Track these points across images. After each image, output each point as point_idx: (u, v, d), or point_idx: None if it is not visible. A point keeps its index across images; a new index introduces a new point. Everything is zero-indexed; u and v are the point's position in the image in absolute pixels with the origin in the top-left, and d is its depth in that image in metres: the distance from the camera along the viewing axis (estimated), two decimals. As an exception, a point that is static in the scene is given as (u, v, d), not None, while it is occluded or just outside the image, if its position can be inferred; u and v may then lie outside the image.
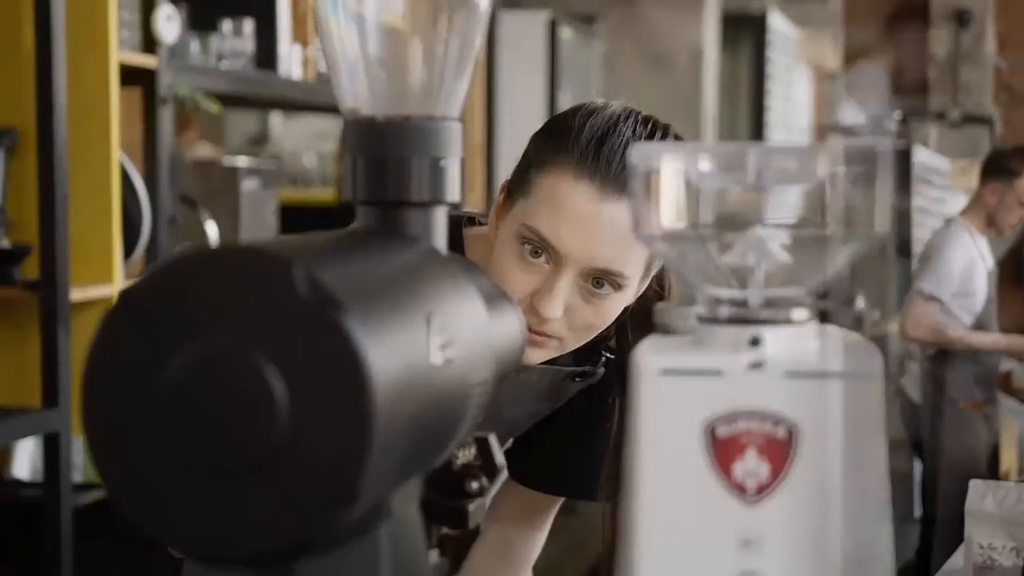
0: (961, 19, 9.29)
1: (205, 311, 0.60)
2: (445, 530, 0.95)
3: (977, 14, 9.30)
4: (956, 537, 4.36)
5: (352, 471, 0.58)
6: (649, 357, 0.67)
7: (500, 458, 0.87)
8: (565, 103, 6.23)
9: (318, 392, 0.58)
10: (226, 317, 0.59)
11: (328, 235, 0.72)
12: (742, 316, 0.68)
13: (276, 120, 5.83)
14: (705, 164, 0.68)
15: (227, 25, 2.96)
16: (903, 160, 6.95)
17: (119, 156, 2.44)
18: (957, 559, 2.05)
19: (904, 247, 6.94)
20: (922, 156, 7.12)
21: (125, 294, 0.60)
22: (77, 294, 2.32)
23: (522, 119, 5.45)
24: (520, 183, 1.24)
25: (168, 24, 2.57)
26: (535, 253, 1.21)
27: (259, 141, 5.84)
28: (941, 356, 4.22)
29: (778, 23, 7.38)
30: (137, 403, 0.60)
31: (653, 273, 1.30)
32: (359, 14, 0.77)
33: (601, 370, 1.37)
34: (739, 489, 0.66)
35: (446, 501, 0.83)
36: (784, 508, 0.65)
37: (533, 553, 1.48)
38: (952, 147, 8.01)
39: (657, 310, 0.77)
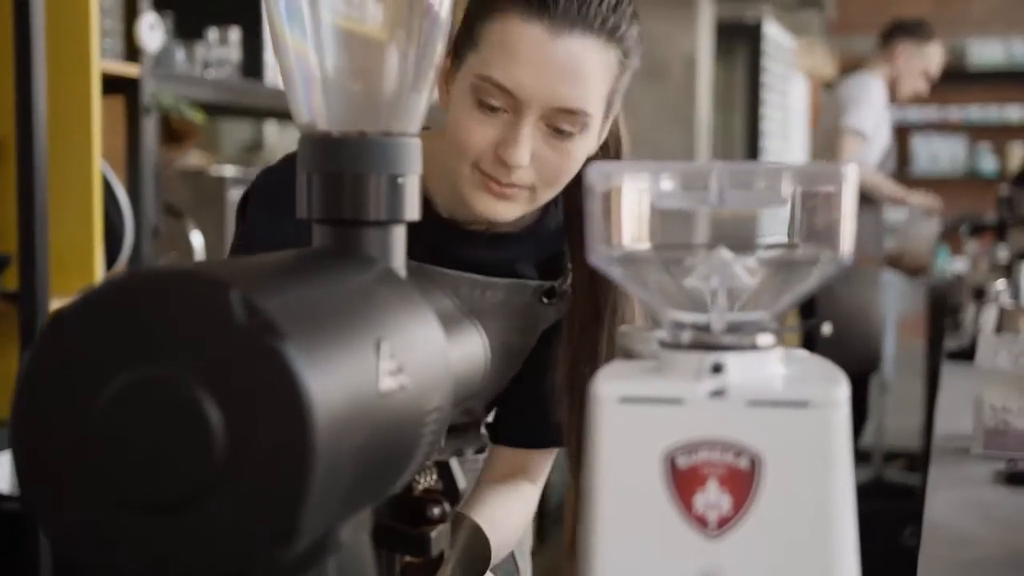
0: None
1: (140, 336, 0.57)
2: (408, 558, 0.92)
3: None
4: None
5: (292, 505, 0.56)
6: (607, 384, 0.64)
7: (462, 482, 0.85)
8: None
9: (255, 422, 0.56)
10: (161, 343, 0.57)
11: (278, 257, 0.69)
12: (704, 341, 0.66)
13: (271, 129, 5.81)
14: (666, 184, 0.66)
15: (213, 33, 2.94)
16: (755, 34, 6.97)
17: (101, 165, 2.41)
18: (961, 424, 1.89)
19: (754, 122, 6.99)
20: (772, 31, 7.10)
21: (57, 316, 0.58)
22: (57, 305, 2.29)
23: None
24: (466, 39, 1.22)
25: (151, 33, 2.54)
26: (492, 104, 1.19)
27: (253, 149, 5.81)
28: None
29: (773, 32, 7.36)
30: (68, 431, 0.58)
31: (613, 115, 1.27)
32: (315, 27, 0.75)
33: (568, 287, 1.34)
34: (700, 522, 0.63)
35: (407, 528, 0.80)
36: (747, 542, 0.63)
37: (528, 512, 1.43)
38: (787, 28, 8.00)
39: (620, 334, 0.75)
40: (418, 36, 0.77)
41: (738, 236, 0.69)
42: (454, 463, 0.82)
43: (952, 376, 2.63)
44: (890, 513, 4.17)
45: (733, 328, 0.66)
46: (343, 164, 0.74)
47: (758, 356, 0.65)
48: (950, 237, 9.42)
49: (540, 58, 1.16)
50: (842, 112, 4.16)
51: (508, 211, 1.23)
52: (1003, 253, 3.84)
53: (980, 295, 3.14)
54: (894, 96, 4.31)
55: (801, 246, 0.66)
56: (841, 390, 0.63)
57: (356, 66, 0.76)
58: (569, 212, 1.33)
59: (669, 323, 0.67)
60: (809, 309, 4.16)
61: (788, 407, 0.63)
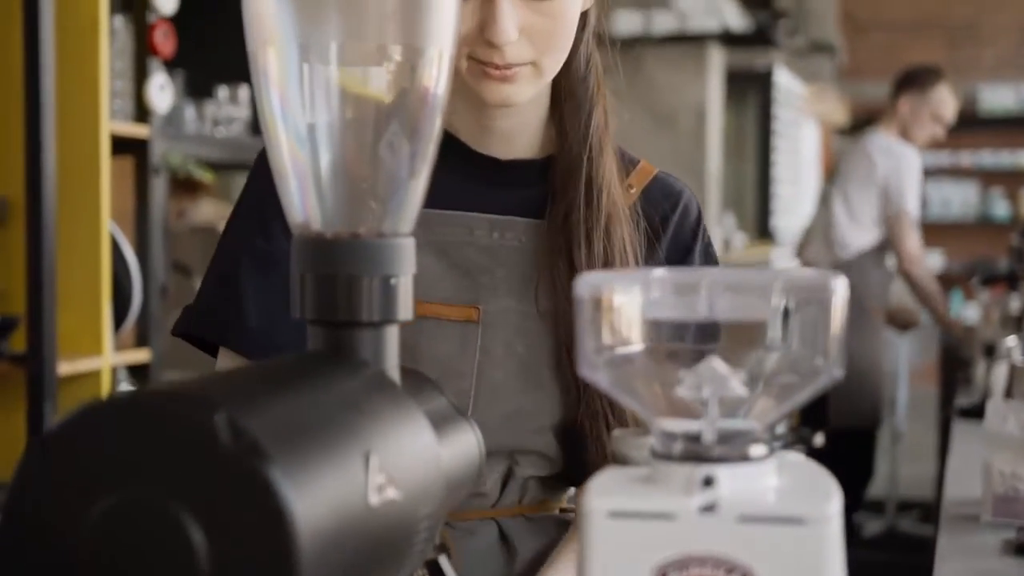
0: None
1: (124, 459, 0.57)
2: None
3: None
4: (851, 450, 4.31)
5: (277, 628, 0.55)
6: (597, 499, 0.64)
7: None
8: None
9: (240, 546, 0.55)
10: (146, 465, 0.57)
11: (267, 366, 0.69)
12: (695, 453, 0.65)
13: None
14: (656, 293, 0.66)
15: (223, 91, 2.96)
16: (766, 81, 6.98)
17: (110, 226, 2.42)
18: (971, 488, 1.88)
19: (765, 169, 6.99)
20: (782, 78, 7.11)
21: (41, 439, 0.58)
22: (65, 367, 2.29)
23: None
24: None
25: (161, 94, 2.56)
26: None
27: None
28: (852, 264, 4.22)
29: (784, 79, 7.38)
30: (54, 555, 0.57)
31: None
32: (309, 126, 0.75)
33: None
34: (691, 640, 0.62)
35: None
36: (739, 659, 0.62)
37: None
38: (797, 74, 8.01)
39: (613, 438, 0.74)
40: (413, 130, 0.77)
41: (733, 338, 0.68)
42: (443, 560, 0.82)
43: (963, 436, 2.62)
44: (903, 566, 4.14)
45: (725, 438, 0.66)
46: (337, 266, 0.74)
47: (750, 468, 0.65)
48: (963, 283, 9.41)
49: None
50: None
51: (518, 92, 1.17)
52: (1015, 303, 3.82)
53: (991, 352, 3.12)
54: (909, 145, 4.32)
55: (793, 357, 0.65)
56: (834, 504, 0.63)
57: (351, 166, 0.75)
58: (555, 88, 1.26)
59: (659, 433, 0.66)
60: None
61: (780, 523, 0.62)
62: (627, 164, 1.28)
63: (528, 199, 1.25)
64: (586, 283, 0.66)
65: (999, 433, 1.80)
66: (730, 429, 0.66)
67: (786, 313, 0.65)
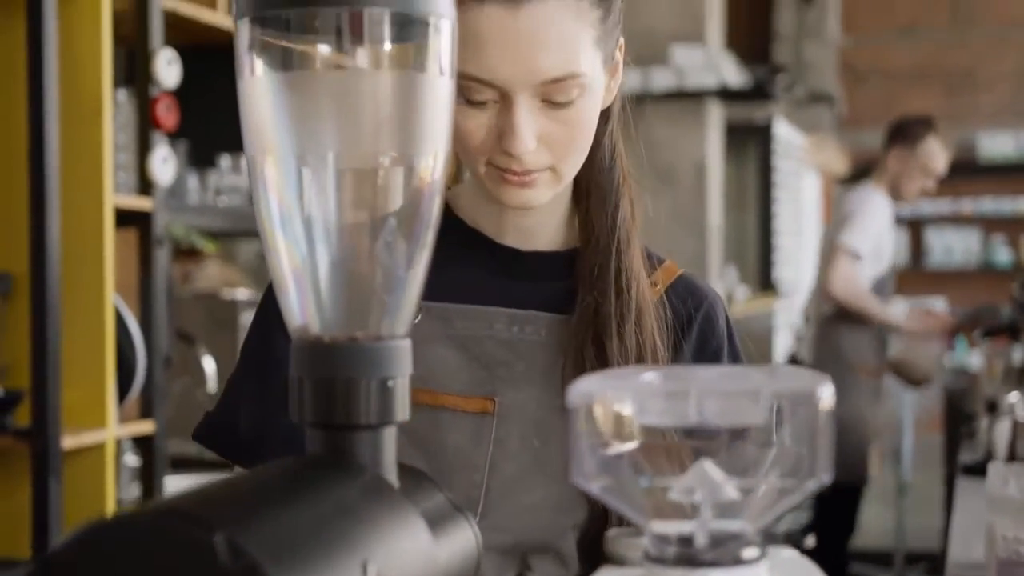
0: None
1: (126, 579, 0.58)
2: None
3: None
4: (834, 504, 4.29)
5: None
6: (592, 605, 0.65)
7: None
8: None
9: (240, 665, 0.56)
10: (147, 585, 0.58)
11: (266, 473, 0.70)
12: (688, 557, 0.66)
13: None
14: (647, 399, 0.67)
15: (225, 160, 2.99)
16: (765, 134, 7.01)
17: (113, 299, 2.44)
18: (976, 551, 1.87)
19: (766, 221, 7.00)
20: (782, 130, 7.13)
21: (44, 561, 0.59)
22: (70, 441, 2.30)
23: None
24: None
25: (164, 166, 2.59)
26: (478, 99, 1.11)
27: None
28: (837, 318, 4.21)
29: (783, 131, 7.42)
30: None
31: (617, 57, 1.21)
32: (307, 232, 0.77)
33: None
34: None
35: None
36: None
37: None
38: (797, 124, 8.04)
39: (608, 538, 0.75)
40: (409, 233, 0.78)
41: (724, 441, 0.70)
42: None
43: (966, 494, 2.62)
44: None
45: (717, 541, 0.67)
46: (335, 370, 0.75)
47: (743, 571, 0.66)
48: (966, 331, 9.41)
49: (506, 38, 1.09)
50: (840, 227, 4.19)
51: (537, 196, 1.16)
52: (1018, 355, 3.82)
53: (993, 408, 3.12)
54: (900, 198, 4.33)
55: (782, 462, 0.67)
56: (825, 608, 0.64)
57: (348, 271, 0.77)
58: (578, 180, 1.25)
59: (653, 536, 0.67)
60: None
61: (772, 629, 0.63)
62: (653, 262, 1.27)
63: (550, 292, 1.24)
64: (579, 391, 0.68)
65: (1001, 496, 1.80)
66: (723, 532, 0.67)
67: (775, 418, 0.67)
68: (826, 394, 0.66)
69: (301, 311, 0.77)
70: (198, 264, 3.58)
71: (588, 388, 0.68)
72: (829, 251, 4.22)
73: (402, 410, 0.76)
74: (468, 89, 1.11)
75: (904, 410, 5.91)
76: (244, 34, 0.75)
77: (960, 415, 4.37)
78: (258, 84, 0.76)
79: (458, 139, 1.13)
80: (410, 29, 0.76)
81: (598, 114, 1.18)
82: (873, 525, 6.39)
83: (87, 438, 2.36)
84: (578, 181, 1.25)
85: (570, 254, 1.26)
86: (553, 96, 1.12)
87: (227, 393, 1.28)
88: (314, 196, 0.76)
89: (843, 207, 4.31)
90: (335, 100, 0.77)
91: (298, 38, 0.84)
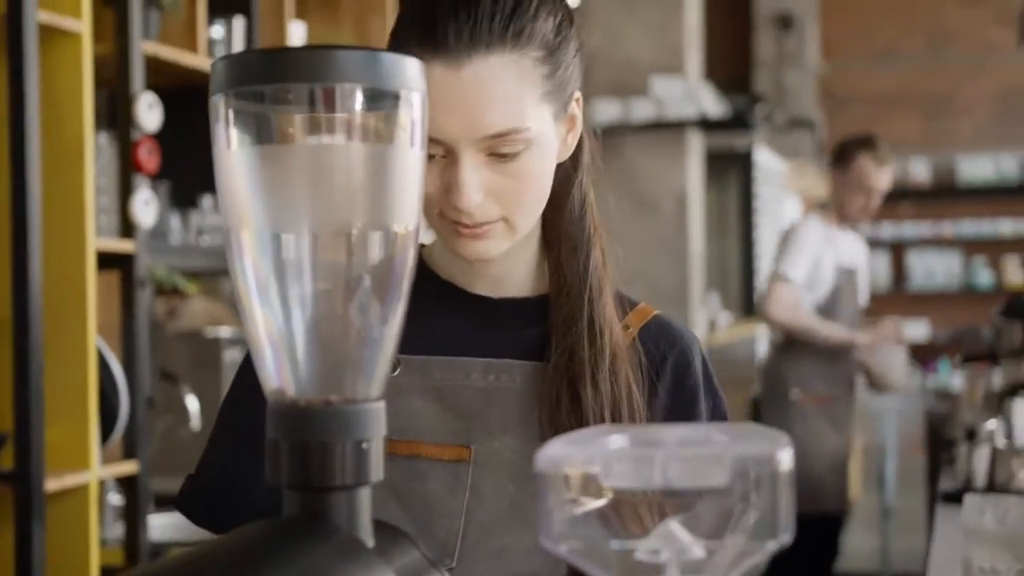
0: (784, 23, 9.45)
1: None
2: None
3: (800, 19, 9.49)
4: (815, 533, 4.22)
5: None
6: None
7: None
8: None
9: None
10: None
11: (242, 539, 0.72)
12: (655, 618, 0.68)
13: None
14: (613, 466, 0.69)
15: (207, 201, 3.01)
16: (746, 161, 7.05)
17: (96, 341, 2.45)
18: None
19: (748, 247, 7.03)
20: (763, 157, 7.19)
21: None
22: (53, 483, 2.31)
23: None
24: None
25: (146, 209, 2.60)
26: (257, 116, 1.13)
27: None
28: (781, 349, 4.22)
29: (764, 157, 7.47)
30: None
31: (570, 109, 1.21)
32: (283, 300, 0.79)
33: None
34: None
35: None
36: None
37: None
38: (777, 150, 8.10)
39: (578, 597, 0.77)
40: (382, 299, 0.80)
41: (689, 502, 0.72)
42: None
43: (945, 522, 2.63)
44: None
45: (683, 601, 0.69)
46: (310, 433, 0.77)
47: (708, 630, 0.68)
48: (950, 353, 9.45)
49: (447, 95, 1.12)
50: (777, 256, 4.23)
51: (491, 248, 1.18)
52: (998, 379, 3.84)
53: (972, 435, 3.15)
54: (846, 220, 4.28)
55: (745, 522, 0.69)
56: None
57: (323, 336, 0.79)
58: (544, 234, 1.27)
59: (621, 597, 0.70)
60: None
61: None
62: (625, 305, 1.28)
63: (523, 339, 1.25)
64: (546, 455, 0.70)
65: (977, 528, 1.81)
66: (688, 591, 0.69)
67: (738, 481, 0.69)
68: (785, 457, 0.68)
69: (277, 375, 0.79)
70: (183, 300, 3.59)
71: (556, 453, 0.70)
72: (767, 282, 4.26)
73: (376, 471, 0.78)
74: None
75: (887, 434, 5.93)
76: (220, 109, 0.77)
77: (941, 440, 4.39)
78: (234, 158, 0.78)
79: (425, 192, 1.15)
80: (381, 102, 0.78)
81: (551, 166, 1.19)
82: (858, 548, 6.41)
83: (70, 480, 2.37)
84: (548, 230, 1.27)
85: (542, 299, 1.28)
86: (498, 149, 1.14)
87: (207, 457, 1.30)
88: (289, 264, 0.78)
89: (782, 237, 4.36)
90: (309, 173, 0.79)
91: (272, 111, 0.87)
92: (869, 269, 4.48)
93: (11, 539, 2.26)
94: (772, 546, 0.69)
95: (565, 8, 1.19)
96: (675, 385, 1.28)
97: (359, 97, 0.77)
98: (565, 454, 0.70)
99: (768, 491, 0.68)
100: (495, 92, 1.12)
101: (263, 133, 0.82)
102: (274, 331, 0.79)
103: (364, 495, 0.78)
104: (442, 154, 1.14)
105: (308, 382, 0.78)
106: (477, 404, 1.23)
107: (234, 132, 0.78)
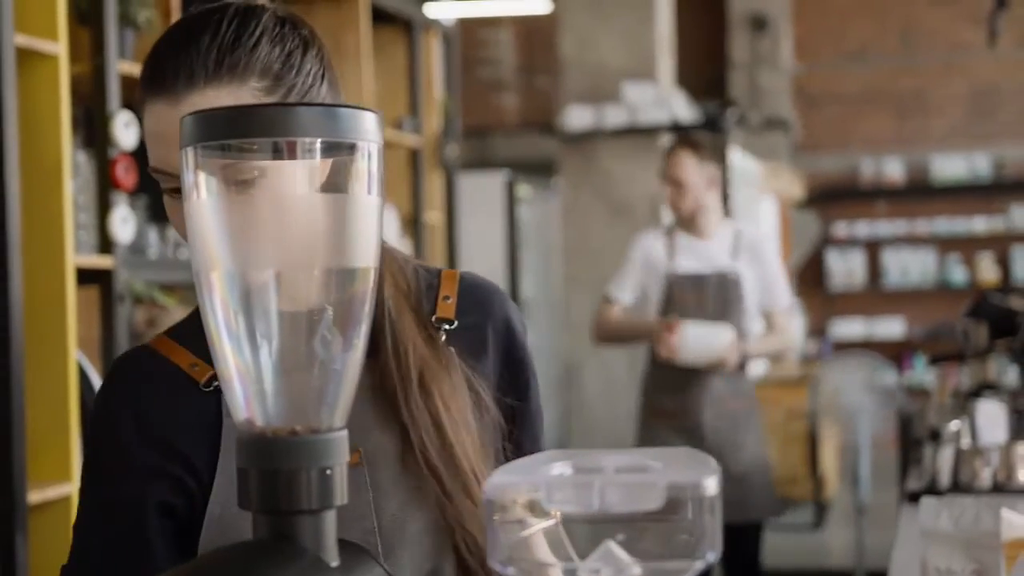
0: (758, 24, 9.54)
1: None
2: None
3: (773, 20, 9.57)
4: (736, 543, 4.06)
5: None
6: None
7: None
8: (526, 257, 6.39)
9: None
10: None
11: (212, 561, 0.78)
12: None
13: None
14: (555, 492, 0.75)
15: (184, 214, 3.05)
16: (720, 162, 7.06)
17: (76, 355, 2.50)
18: None
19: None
20: (737, 159, 7.26)
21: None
22: (35, 495, 2.36)
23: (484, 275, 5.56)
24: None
25: (123, 225, 2.65)
26: (170, 188, 1.18)
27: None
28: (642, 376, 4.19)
29: (738, 160, 7.54)
30: None
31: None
32: (250, 340, 0.84)
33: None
34: None
35: None
36: None
37: None
38: (753, 151, 8.17)
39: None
40: (345, 337, 0.86)
41: (627, 524, 0.78)
42: None
43: (909, 523, 2.69)
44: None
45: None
46: (278, 461, 0.83)
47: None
48: (925, 349, 9.55)
49: (167, 130, 1.17)
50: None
51: None
52: (966, 379, 3.89)
53: (936, 436, 3.20)
54: (680, 223, 4.20)
55: (676, 542, 0.75)
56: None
57: (288, 371, 0.85)
58: None
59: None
60: None
61: None
62: (431, 277, 1.32)
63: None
64: (493, 484, 0.76)
65: (934, 529, 1.86)
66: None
67: (671, 505, 0.75)
68: (712, 482, 0.74)
69: (246, 406, 0.85)
70: (163, 310, 3.64)
71: (501, 480, 0.76)
72: None
73: (340, 494, 0.84)
74: (160, 180, 1.20)
75: (862, 431, 6.01)
76: (189, 161, 0.83)
77: (912, 437, 4.45)
78: (204, 206, 0.84)
79: (176, 227, 1.20)
80: (339, 153, 0.84)
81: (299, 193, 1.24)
82: (834, 544, 6.50)
83: (52, 492, 2.41)
84: None
85: None
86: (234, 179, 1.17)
87: (80, 549, 1.27)
88: (256, 303, 0.84)
89: None
90: (273, 219, 0.85)
91: (238, 163, 0.93)
92: (760, 270, 4.12)
93: (-6, 551, 2.31)
94: (698, 566, 0.75)
95: (301, 37, 1.22)
96: (497, 344, 1.32)
97: (318, 149, 0.83)
98: (510, 482, 0.76)
99: (697, 514, 0.74)
100: None
101: (229, 183, 0.88)
102: (242, 365, 0.85)
103: (329, 518, 0.84)
104: (176, 187, 1.17)
105: (275, 413, 0.84)
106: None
107: (203, 182, 0.83)
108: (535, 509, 0.76)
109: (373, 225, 0.86)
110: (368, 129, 0.84)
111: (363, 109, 0.85)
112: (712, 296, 4.09)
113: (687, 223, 4.11)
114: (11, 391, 2.33)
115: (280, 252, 0.84)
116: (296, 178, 0.85)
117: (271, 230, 0.85)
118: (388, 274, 1.29)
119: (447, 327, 1.29)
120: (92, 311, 2.65)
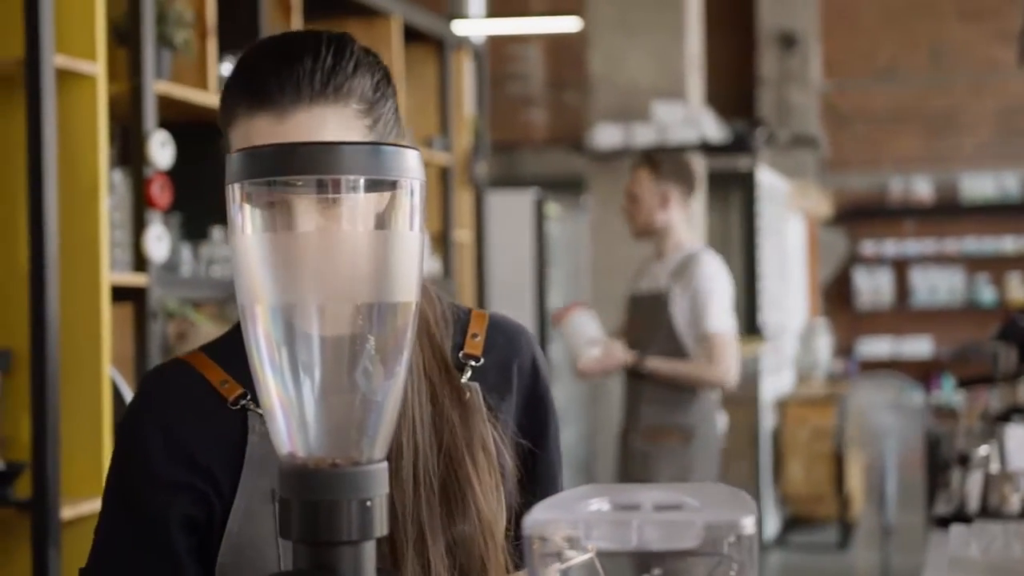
0: (787, 41, 9.50)
1: None
2: None
3: (803, 37, 9.54)
4: None
5: None
6: None
7: None
8: (554, 274, 6.41)
9: None
10: None
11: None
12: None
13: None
14: (593, 529, 0.76)
15: (218, 232, 3.08)
16: (748, 181, 7.05)
17: (110, 371, 2.53)
18: None
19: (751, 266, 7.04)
20: (765, 177, 7.24)
21: None
22: (68, 511, 2.39)
23: (512, 294, 5.58)
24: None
25: (158, 244, 2.68)
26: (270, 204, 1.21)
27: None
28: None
29: (766, 177, 7.54)
30: None
31: None
32: (294, 377, 0.86)
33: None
34: None
35: None
36: None
37: None
38: (781, 169, 8.14)
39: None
40: (386, 368, 0.88)
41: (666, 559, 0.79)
42: None
43: (938, 548, 2.68)
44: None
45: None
46: (319, 493, 0.84)
47: None
48: (953, 369, 9.51)
49: (273, 143, 1.15)
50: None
51: None
52: (996, 402, 3.87)
53: (964, 460, 3.19)
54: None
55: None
56: None
57: (330, 404, 0.86)
58: None
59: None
60: None
61: None
62: (461, 315, 1.32)
63: None
64: (533, 520, 0.77)
65: (963, 558, 1.87)
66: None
67: (707, 543, 0.76)
68: (749, 522, 0.75)
69: (288, 439, 0.86)
70: (194, 325, 3.67)
71: (541, 517, 0.77)
72: None
73: (380, 526, 0.86)
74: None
75: (888, 452, 5.99)
76: (236, 197, 0.85)
77: (939, 459, 4.43)
78: (249, 240, 0.85)
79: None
80: (382, 190, 0.86)
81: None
82: (859, 566, 6.47)
83: (86, 507, 2.44)
84: None
85: None
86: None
87: (99, 556, 1.28)
88: (299, 336, 0.86)
89: None
90: (317, 254, 0.87)
91: (283, 199, 0.95)
92: (706, 287, 3.97)
93: (28, 565, 2.33)
94: (736, 601, 0.76)
95: (383, 69, 1.25)
96: (521, 385, 1.33)
97: (362, 186, 0.84)
98: (549, 518, 0.77)
99: (735, 551, 0.75)
100: (321, 139, 1.17)
101: (275, 219, 0.89)
102: (285, 397, 0.86)
103: (369, 548, 0.86)
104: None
105: (316, 444, 0.86)
106: None
107: (248, 218, 0.85)
108: (574, 544, 0.77)
109: (415, 260, 0.87)
110: (411, 166, 0.86)
111: (405, 147, 0.87)
112: (644, 315, 4.05)
113: (655, 244, 4.08)
114: (46, 406, 2.36)
115: (323, 287, 0.86)
116: (340, 214, 0.86)
117: (315, 265, 0.86)
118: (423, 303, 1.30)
119: (473, 363, 1.29)
120: (126, 328, 2.68)
